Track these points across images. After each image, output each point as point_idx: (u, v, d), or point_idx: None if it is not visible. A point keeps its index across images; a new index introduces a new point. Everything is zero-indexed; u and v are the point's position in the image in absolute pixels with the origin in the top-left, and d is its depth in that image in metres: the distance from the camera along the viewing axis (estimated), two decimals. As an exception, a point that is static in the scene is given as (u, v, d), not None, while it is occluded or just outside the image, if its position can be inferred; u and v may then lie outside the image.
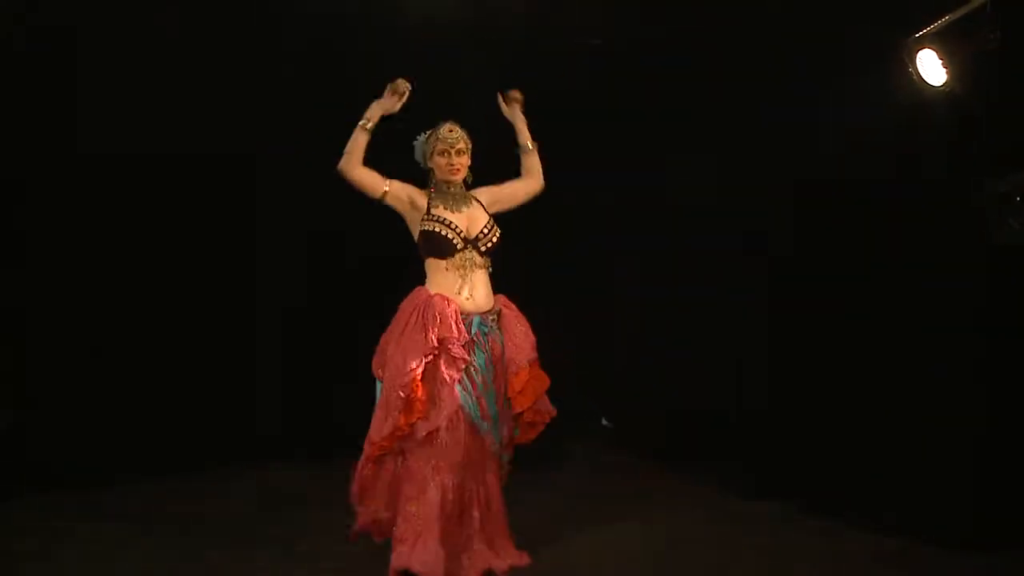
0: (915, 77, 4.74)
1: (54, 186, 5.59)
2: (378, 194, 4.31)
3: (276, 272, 6.22)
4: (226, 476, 5.71)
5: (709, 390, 6.00)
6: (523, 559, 4.35)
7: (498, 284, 4.45)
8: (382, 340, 4.30)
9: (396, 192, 4.33)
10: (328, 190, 4.54)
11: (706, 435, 5.96)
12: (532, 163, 4.55)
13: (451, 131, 4.37)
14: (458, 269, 4.30)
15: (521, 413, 4.40)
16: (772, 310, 5.69)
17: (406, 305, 4.28)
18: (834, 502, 5.01)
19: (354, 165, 4.26)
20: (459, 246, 4.30)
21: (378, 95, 4.33)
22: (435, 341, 4.13)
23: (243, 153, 5.96)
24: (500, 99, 4.56)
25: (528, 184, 4.56)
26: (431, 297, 4.25)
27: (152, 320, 5.86)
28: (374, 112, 4.28)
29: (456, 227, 4.31)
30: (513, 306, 4.49)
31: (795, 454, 5.41)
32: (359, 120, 4.27)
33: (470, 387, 4.23)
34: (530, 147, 4.54)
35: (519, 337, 4.40)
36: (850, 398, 5.20)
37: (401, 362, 4.13)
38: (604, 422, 7.00)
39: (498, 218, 4.46)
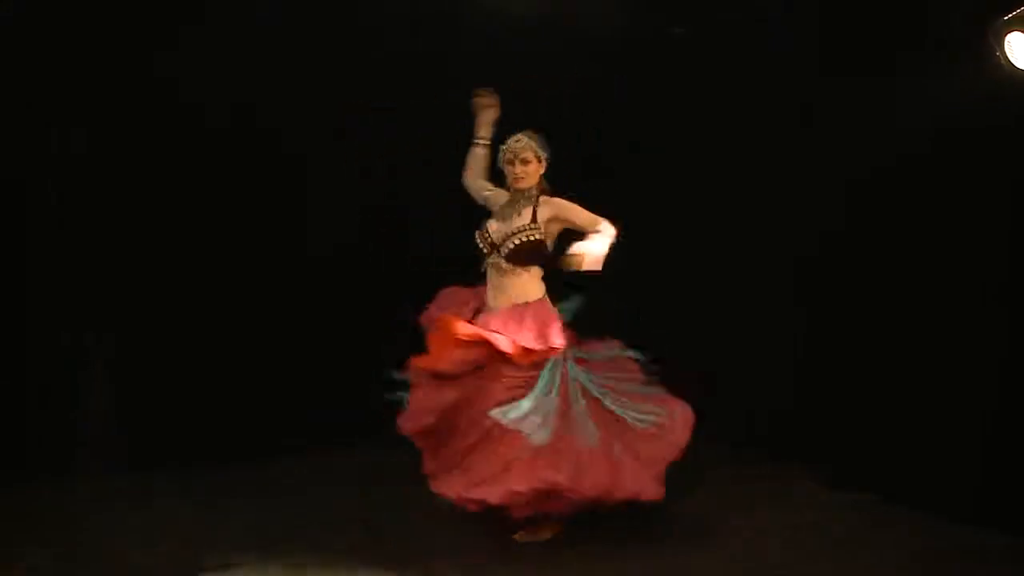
0: (1003, 61, 4.55)
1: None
2: (482, 202, 4.72)
3: (336, 253, 6.16)
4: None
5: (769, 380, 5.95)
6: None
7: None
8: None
9: (494, 199, 4.69)
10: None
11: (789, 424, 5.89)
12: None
13: (517, 141, 4.53)
14: (489, 271, 4.57)
15: None
16: (840, 301, 5.64)
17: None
18: (914, 495, 4.96)
19: (465, 177, 4.75)
20: (485, 251, 4.54)
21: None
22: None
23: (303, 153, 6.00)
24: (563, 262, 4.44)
25: (587, 221, 4.54)
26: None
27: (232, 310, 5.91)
28: (478, 128, 4.70)
29: (487, 234, 4.55)
30: (539, 306, 4.54)
31: (873, 446, 5.34)
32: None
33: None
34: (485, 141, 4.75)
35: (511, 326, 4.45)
36: (927, 392, 5.12)
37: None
38: None
39: None
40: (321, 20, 5.70)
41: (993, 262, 4.92)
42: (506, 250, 4.48)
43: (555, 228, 4.56)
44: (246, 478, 5.41)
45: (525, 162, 4.50)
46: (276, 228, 5.95)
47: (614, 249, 4.44)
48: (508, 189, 4.65)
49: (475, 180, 4.71)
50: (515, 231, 4.50)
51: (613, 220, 6.33)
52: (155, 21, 5.41)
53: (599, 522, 4.61)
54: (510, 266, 4.50)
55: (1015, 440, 4.74)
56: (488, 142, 4.67)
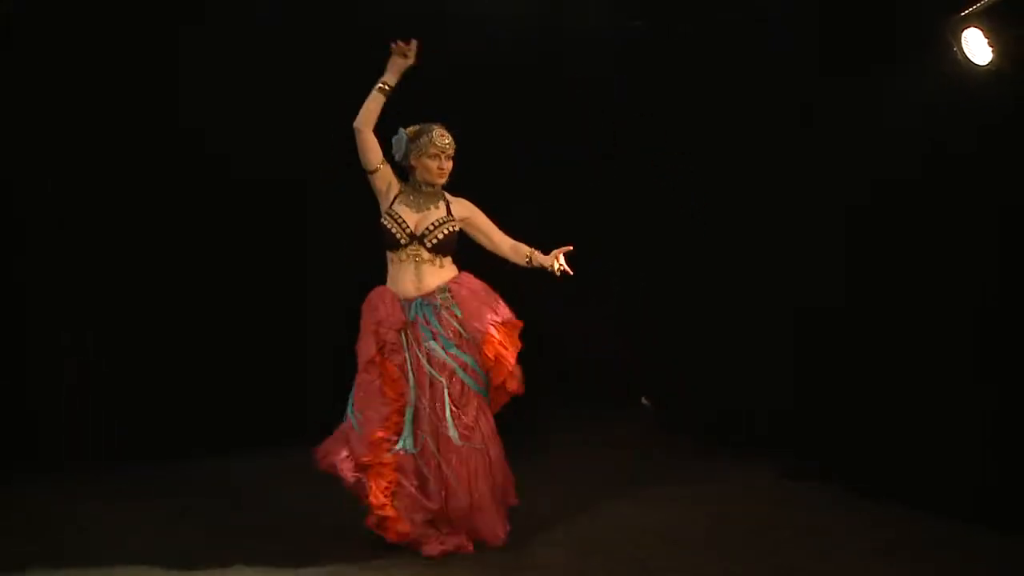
0: (960, 57, 4.60)
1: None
2: (372, 166, 4.55)
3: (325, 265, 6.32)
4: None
5: (755, 376, 6.00)
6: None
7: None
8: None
9: (384, 174, 4.58)
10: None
11: (750, 418, 5.99)
12: (519, 254, 4.68)
13: (443, 136, 4.54)
14: (404, 262, 4.56)
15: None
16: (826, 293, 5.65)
17: (365, 301, 4.61)
18: (883, 486, 4.98)
19: (366, 123, 4.49)
20: (403, 241, 4.53)
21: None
22: (376, 331, 4.44)
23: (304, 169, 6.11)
24: (557, 261, 4.57)
25: (501, 245, 4.70)
26: (375, 290, 4.57)
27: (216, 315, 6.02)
28: (388, 73, 4.50)
29: (404, 223, 4.53)
30: (469, 283, 4.59)
31: (843, 438, 5.38)
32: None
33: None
34: (526, 260, 4.66)
35: (473, 306, 4.52)
36: (903, 384, 5.15)
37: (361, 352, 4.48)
38: (643, 401, 7.04)
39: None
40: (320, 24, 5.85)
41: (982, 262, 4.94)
42: (433, 240, 4.54)
43: (461, 227, 4.68)
44: (234, 473, 5.53)
45: (449, 159, 4.56)
46: (273, 232, 6.13)
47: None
48: (409, 180, 4.65)
49: (370, 132, 4.51)
50: (438, 222, 4.56)
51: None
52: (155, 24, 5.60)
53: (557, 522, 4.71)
54: (432, 255, 4.56)
55: (998, 435, 4.75)
56: (390, 90, 4.52)
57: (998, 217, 4.81)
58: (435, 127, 4.56)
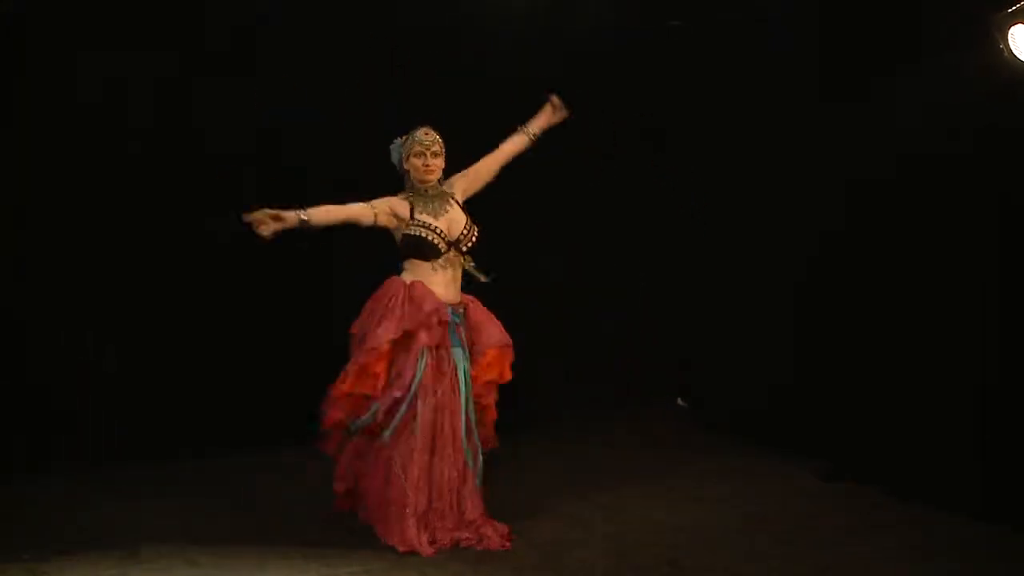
0: (1007, 54, 4.56)
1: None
2: (369, 222, 4.53)
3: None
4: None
5: (790, 372, 5.99)
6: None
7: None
8: (356, 327, 4.55)
9: (382, 210, 4.55)
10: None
11: (786, 416, 5.94)
12: (519, 146, 4.75)
13: (426, 134, 4.61)
14: (443, 268, 4.59)
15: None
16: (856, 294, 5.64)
17: (382, 293, 4.56)
18: (920, 488, 4.97)
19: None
20: (443, 249, 4.57)
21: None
22: (409, 322, 4.43)
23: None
24: (552, 101, 4.76)
25: (498, 156, 4.76)
26: (413, 282, 4.53)
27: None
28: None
29: (440, 231, 4.56)
30: (478, 303, 4.70)
31: (878, 439, 5.36)
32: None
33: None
34: (533, 135, 4.75)
35: (485, 324, 4.63)
36: (941, 386, 5.11)
37: (376, 334, 4.43)
38: (679, 402, 7.06)
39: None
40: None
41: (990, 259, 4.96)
42: (467, 245, 4.63)
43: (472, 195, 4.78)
44: (236, 470, 5.51)
45: (435, 155, 4.61)
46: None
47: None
48: (402, 188, 4.68)
49: (342, 210, 4.56)
50: (467, 228, 4.64)
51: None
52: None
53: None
54: (467, 259, 4.63)
55: (1012, 433, 4.76)
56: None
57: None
58: (419, 127, 4.63)
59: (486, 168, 4.75)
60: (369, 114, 5.78)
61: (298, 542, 4.45)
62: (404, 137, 4.65)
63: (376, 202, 4.55)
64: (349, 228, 5.97)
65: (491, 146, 4.80)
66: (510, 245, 4.86)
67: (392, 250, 5.50)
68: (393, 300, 4.50)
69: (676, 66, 6.55)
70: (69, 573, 4.11)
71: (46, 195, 5.46)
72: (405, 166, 4.64)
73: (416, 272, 4.58)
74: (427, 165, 4.58)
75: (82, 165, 5.53)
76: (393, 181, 4.76)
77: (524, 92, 6.10)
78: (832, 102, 5.62)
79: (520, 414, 5.26)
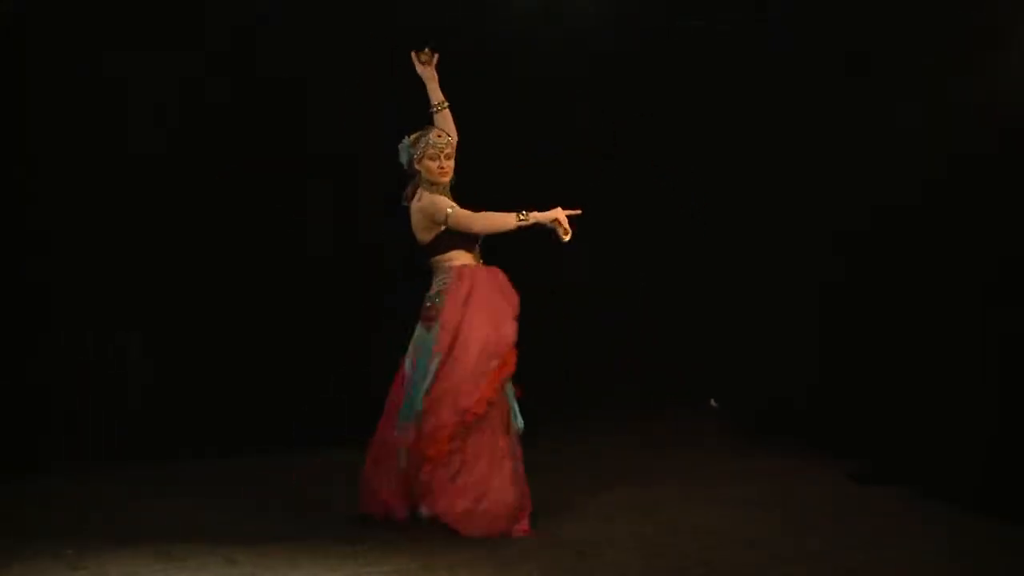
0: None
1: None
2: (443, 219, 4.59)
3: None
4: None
5: (823, 373, 6.04)
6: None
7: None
8: (445, 318, 4.53)
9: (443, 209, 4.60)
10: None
11: (818, 418, 5.98)
12: (449, 120, 4.76)
13: (439, 136, 4.66)
14: (477, 259, 4.69)
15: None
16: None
17: (461, 284, 4.57)
18: (958, 491, 4.92)
19: None
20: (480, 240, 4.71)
21: None
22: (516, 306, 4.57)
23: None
24: (414, 57, 4.74)
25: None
26: (492, 268, 4.64)
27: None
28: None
29: None
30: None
31: (910, 441, 5.37)
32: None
33: None
34: (446, 104, 4.77)
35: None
36: (977, 389, 5.13)
37: (492, 332, 4.50)
38: (712, 402, 7.09)
39: None
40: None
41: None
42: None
43: None
44: (251, 470, 5.48)
45: (449, 157, 4.67)
46: (278, 232, 6.02)
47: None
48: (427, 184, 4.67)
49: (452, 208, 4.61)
50: None
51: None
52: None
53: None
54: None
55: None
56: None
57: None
58: (432, 129, 4.70)
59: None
60: (369, 114, 5.81)
61: (330, 541, 4.40)
62: (413, 137, 4.68)
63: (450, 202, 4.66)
64: (347, 230, 6.15)
65: (491, 146, 4.93)
66: (535, 246, 4.78)
67: (392, 252, 5.60)
68: (484, 289, 4.58)
69: (676, 66, 6.55)
70: (108, 569, 4.05)
71: (46, 195, 5.46)
72: (416, 167, 4.68)
73: (463, 261, 4.66)
74: (442, 167, 4.65)
75: (81, 165, 5.53)
76: (393, 181, 4.78)
77: (524, 92, 6.30)
78: (850, 103, 5.68)
79: (554, 413, 5.27)
